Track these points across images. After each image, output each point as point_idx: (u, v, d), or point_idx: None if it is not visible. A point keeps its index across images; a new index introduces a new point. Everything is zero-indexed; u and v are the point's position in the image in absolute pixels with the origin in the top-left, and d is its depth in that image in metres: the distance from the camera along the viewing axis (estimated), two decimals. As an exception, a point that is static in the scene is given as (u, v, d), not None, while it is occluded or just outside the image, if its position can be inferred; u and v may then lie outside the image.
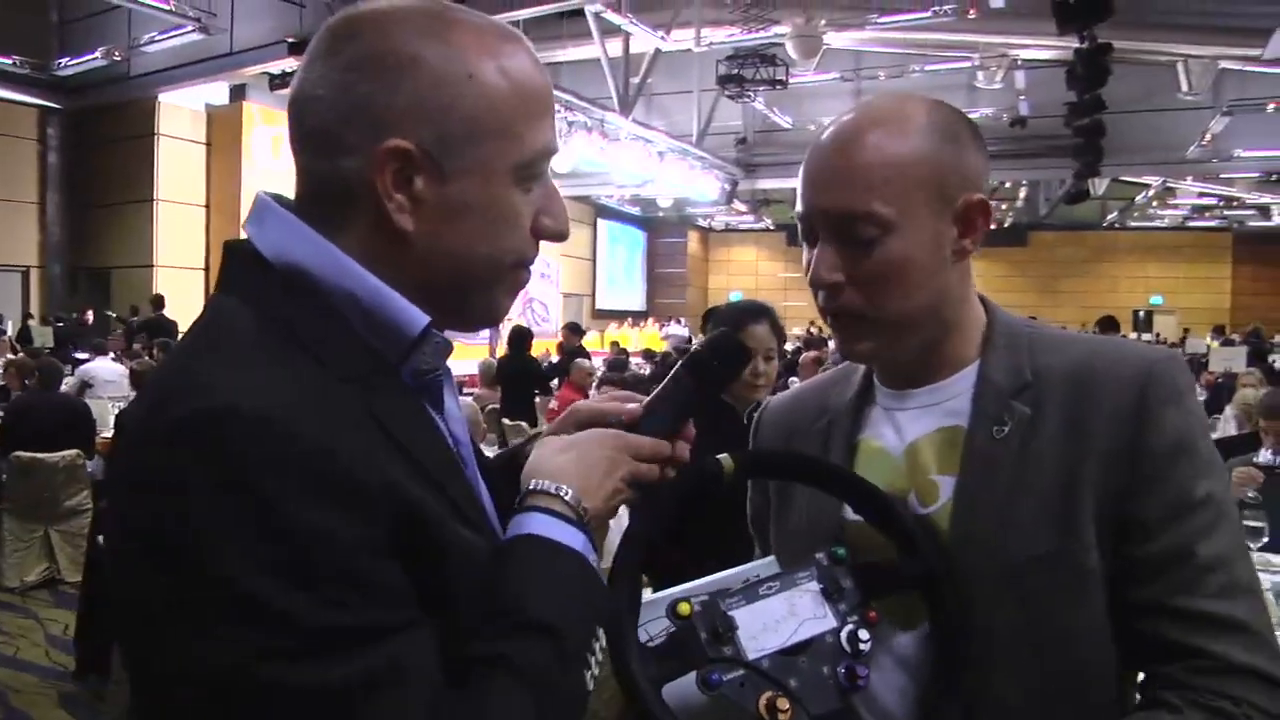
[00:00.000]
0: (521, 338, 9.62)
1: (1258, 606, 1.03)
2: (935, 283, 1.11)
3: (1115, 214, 25.89)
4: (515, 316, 20.51)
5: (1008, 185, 22.27)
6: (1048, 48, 13.22)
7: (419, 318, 0.90)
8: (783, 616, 0.99)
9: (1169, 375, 1.07)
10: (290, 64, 12.34)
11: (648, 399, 1.06)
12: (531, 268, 0.99)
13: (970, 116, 1.14)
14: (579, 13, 12.92)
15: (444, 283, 0.92)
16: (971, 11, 12.40)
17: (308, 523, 0.74)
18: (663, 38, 14.04)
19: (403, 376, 0.91)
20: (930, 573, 1.05)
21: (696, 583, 1.09)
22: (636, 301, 29.75)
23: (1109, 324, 12.46)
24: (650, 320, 25.30)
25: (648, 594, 1.04)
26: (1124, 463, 1.04)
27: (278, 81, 13.29)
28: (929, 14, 12.66)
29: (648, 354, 15.44)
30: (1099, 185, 18.92)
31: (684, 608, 0.96)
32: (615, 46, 14.54)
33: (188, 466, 0.74)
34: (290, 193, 0.95)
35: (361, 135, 0.86)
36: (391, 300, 0.89)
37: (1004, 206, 24.51)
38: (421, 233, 0.89)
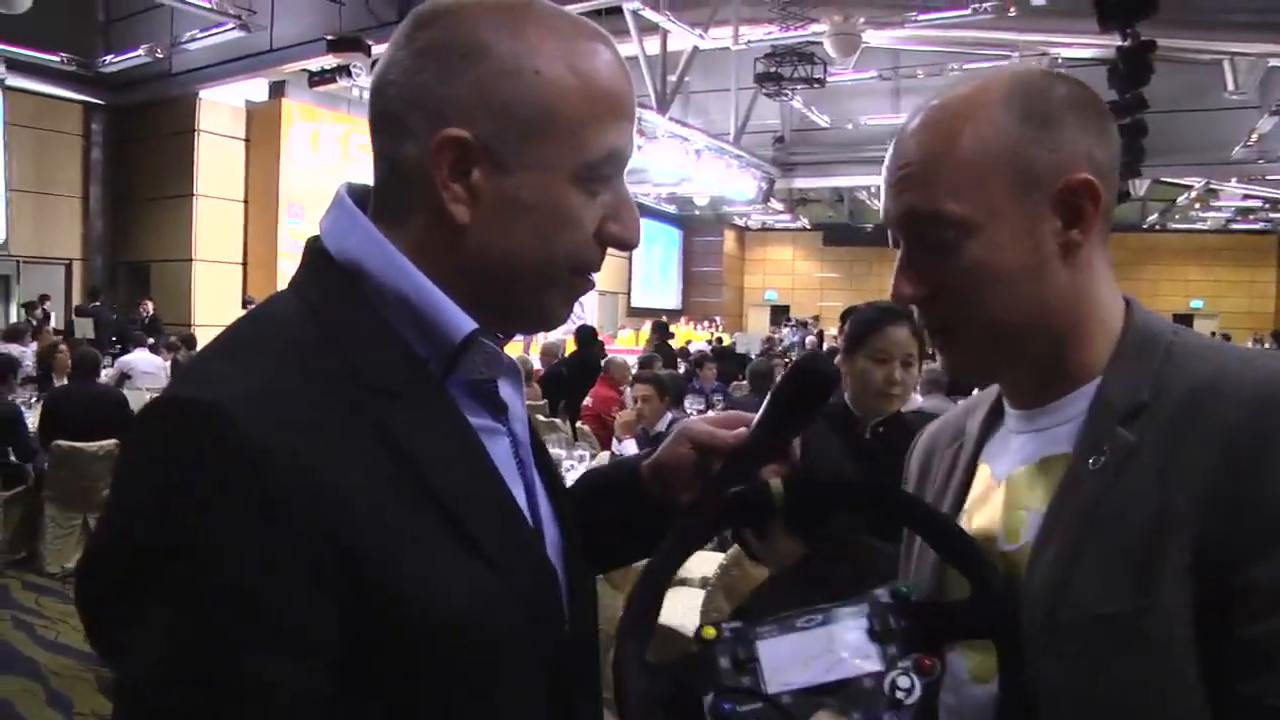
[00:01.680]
0: (588, 334, 9.69)
1: None
2: (1039, 284, 0.95)
3: (1156, 215, 25.52)
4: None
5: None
6: (1089, 45, 13.06)
7: (465, 323, 0.88)
8: (818, 652, 0.88)
9: None
10: (329, 61, 12.43)
11: (754, 421, 1.07)
12: (595, 275, 0.97)
13: (1087, 87, 0.99)
14: (617, 10, 12.92)
15: (498, 281, 0.90)
16: (1011, 9, 12.27)
17: (210, 524, 0.73)
18: (701, 35, 14.01)
19: (450, 385, 0.89)
20: (999, 619, 0.91)
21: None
22: (672, 300, 29.73)
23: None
24: (684, 319, 25.27)
25: None
26: (1229, 512, 0.82)
27: (316, 78, 13.38)
28: (968, 11, 12.55)
29: (683, 352, 15.41)
30: (1140, 186, 18.69)
31: (709, 632, 0.89)
32: (653, 44, 14.55)
33: (142, 446, 0.78)
34: (329, 190, 0.95)
35: (423, 122, 0.86)
36: (441, 303, 0.88)
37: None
38: (477, 227, 0.87)
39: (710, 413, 7.28)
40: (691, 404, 8.22)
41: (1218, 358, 0.93)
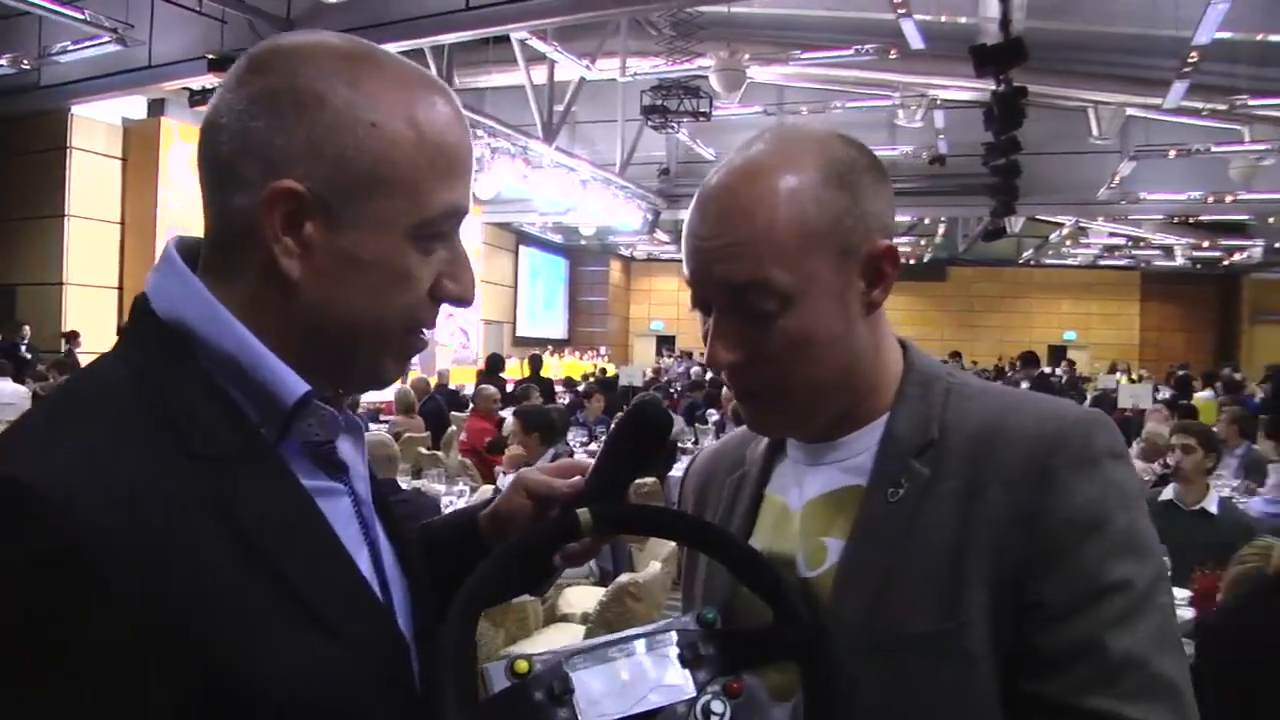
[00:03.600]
0: (496, 362, 9.64)
1: (1182, 709, 0.89)
2: (845, 344, 1.00)
3: (1030, 251, 26.55)
4: (435, 340, 20.49)
5: (927, 221, 22.73)
6: (966, 89, 13.58)
7: (297, 386, 0.85)
8: (632, 681, 0.90)
9: (1084, 437, 0.95)
10: (210, 80, 12.11)
11: (589, 469, 1.08)
12: (428, 333, 0.94)
13: (881, 153, 1.06)
14: (505, 39, 12.91)
15: (331, 340, 0.87)
16: (893, 51, 12.66)
17: (30, 615, 0.69)
18: (588, 67, 14.11)
19: (285, 448, 0.86)
20: (803, 643, 0.94)
21: (585, 642, 1.00)
22: (558, 330, 29.64)
23: (1030, 360, 12.72)
24: (569, 349, 25.26)
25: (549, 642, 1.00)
26: (1020, 534, 0.91)
27: (198, 98, 12.98)
28: (851, 52, 12.91)
29: (568, 382, 15.39)
30: (1015, 223, 19.40)
31: (521, 665, 0.88)
32: (540, 74, 14.59)
33: None
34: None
35: (255, 171, 0.83)
36: (271, 365, 0.84)
37: (923, 242, 24.99)
38: (310, 283, 0.84)
39: (579, 451, 7.23)
40: (575, 437, 8.18)
41: (997, 401, 1.03)
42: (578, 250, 29.38)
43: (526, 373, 13.71)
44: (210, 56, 11.00)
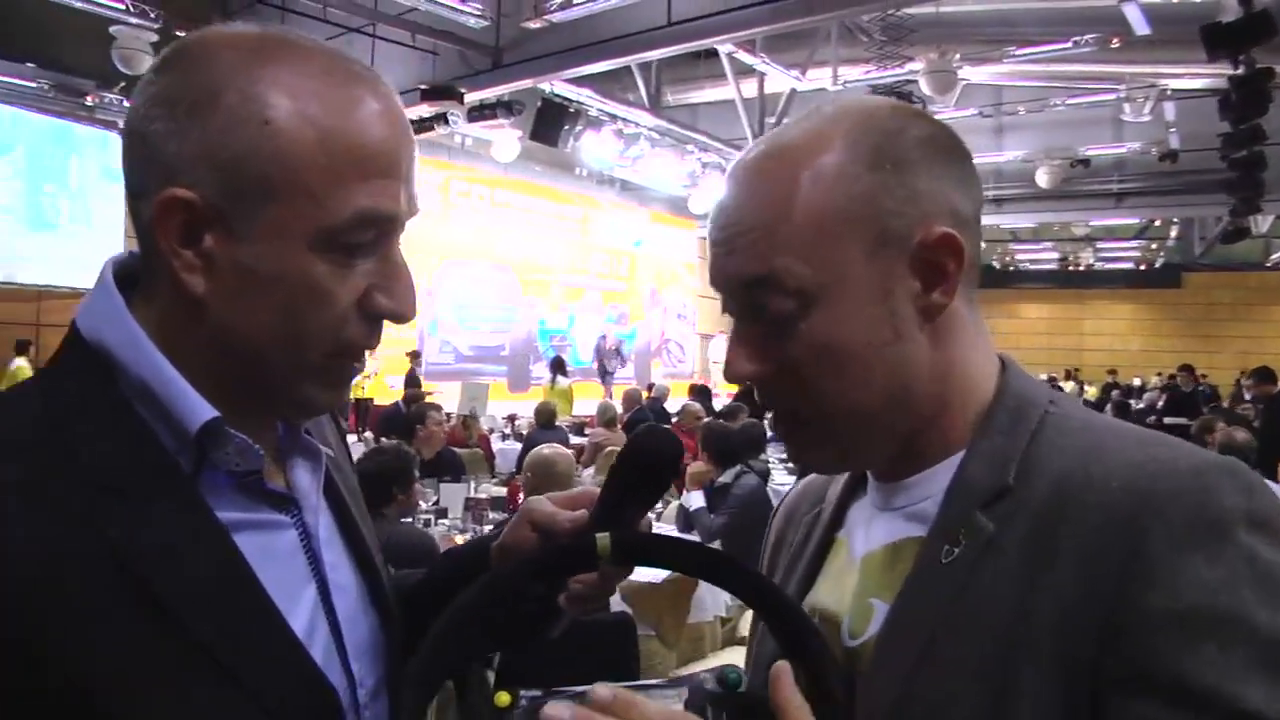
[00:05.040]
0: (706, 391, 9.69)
1: None
2: (895, 358, 0.82)
3: None
4: (653, 357, 20.85)
5: (1158, 223, 21.37)
6: (1200, 75, 12.68)
7: (202, 411, 0.79)
8: None
9: (1199, 495, 0.70)
10: (424, 110, 12.74)
11: (595, 501, 0.97)
12: (366, 357, 0.86)
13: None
14: (714, 54, 13.01)
15: (242, 363, 0.81)
16: (1115, 41, 11.99)
17: None
18: (798, 78, 14.01)
19: (208, 481, 0.80)
20: None
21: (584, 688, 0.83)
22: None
23: (1266, 376, 11.57)
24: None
25: None
26: (1095, 628, 0.70)
27: (414, 126, 13.77)
28: (1069, 44, 12.30)
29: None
30: (1261, 222, 17.95)
31: (502, 698, 0.78)
32: (750, 87, 14.58)
33: None
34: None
35: (153, 179, 0.77)
36: (177, 388, 0.78)
37: (1154, 246, 23.50)
38: (216, 301, 0.78)
39: (779, 469, 6.80)
40: (774, 452, 7.88)
41: (1096, 436, 0.80)
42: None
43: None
44: (423, 87, 11.59)
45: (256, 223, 0.77)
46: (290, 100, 0.77)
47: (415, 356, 14.02)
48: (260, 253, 0.77)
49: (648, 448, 0.93)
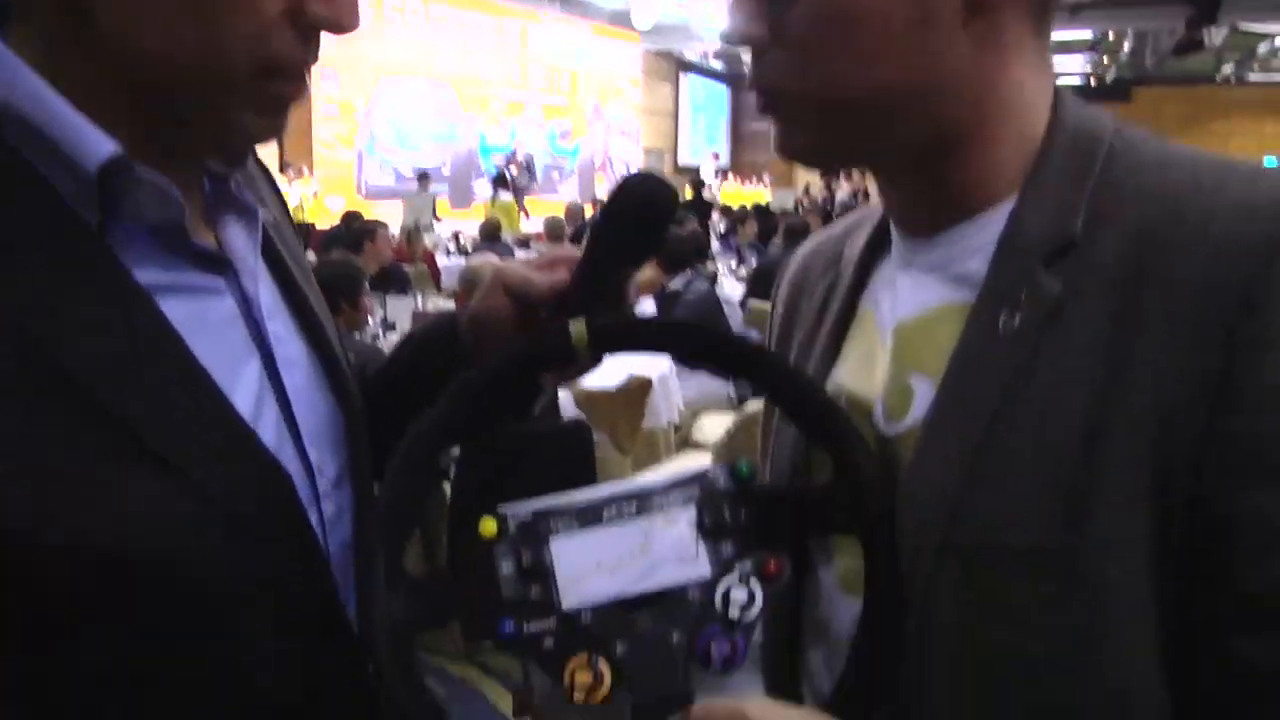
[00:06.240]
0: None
1: None
2: (919, 46, 0.67)
3: (1230, 67, 24.36)
4: (598, 171, 20.61)
5: (1111, 36, 21.02)
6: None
7: (98, 146, 0.65)
8: (630, 554, 0.68)
9: None
10: None
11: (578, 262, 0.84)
12: (303, 74, 0.72)
13: None
14: None
15: (150, 86, 0.67)
16: None
17: None
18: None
19: (123, 233, 0.68)
20: (868, 514, 0.69)
21: (575, 496, 0.73)
22: (720, 158, 29.26)
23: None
24: (732, 176, 24.95)
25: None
26: (1206, 402, 0.58)
27: None
28: None
29: (725, 209, 15.19)
30: (1215, 35, 17.76)
31: (489, 526, 0.68)
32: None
33: None
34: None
35: None
36: (68, 123, 0.65)
37: (1106, 59, 23.18)
38: (107, 7, 0.64)
39: (727, 278, 6.93)
40: (723, 260, 8.12)
41: (1176, 174, 0.66)
42: (741, 78, 28.58)
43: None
44: None
45: None
46: None
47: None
48: None
49: (641, 191, 0.80)
